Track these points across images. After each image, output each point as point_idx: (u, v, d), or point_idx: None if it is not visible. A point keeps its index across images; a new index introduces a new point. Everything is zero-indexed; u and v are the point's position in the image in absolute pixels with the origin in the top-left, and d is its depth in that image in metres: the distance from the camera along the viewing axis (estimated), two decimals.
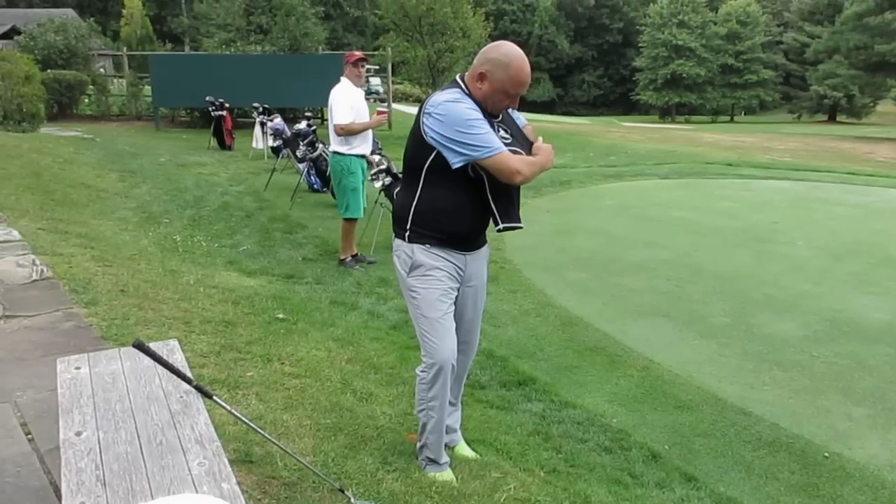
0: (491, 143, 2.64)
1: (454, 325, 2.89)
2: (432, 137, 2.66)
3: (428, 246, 2.82)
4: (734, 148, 20.21)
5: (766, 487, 3.54)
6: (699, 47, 53.28)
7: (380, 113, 6.38)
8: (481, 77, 2.68)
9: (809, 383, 4.65)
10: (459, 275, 2.91)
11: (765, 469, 3.69)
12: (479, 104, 2.70)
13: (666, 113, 56.00)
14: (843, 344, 5.28)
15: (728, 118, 54.80)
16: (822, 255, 7.76)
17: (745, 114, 56.65)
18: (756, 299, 6.23)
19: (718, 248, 8.01)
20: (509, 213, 2.82)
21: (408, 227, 2.85)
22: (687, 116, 55.19)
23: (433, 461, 3.03)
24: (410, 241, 2.85)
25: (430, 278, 2.83)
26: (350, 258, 6.80)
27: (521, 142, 2.84)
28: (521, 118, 2.99)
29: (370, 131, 6.56)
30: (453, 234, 2.83)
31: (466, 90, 2.73)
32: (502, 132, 2.77)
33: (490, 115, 2.74)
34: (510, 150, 2.69)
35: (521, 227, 2.87)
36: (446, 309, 2.85)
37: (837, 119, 48.39)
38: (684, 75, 53.09)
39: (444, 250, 2.84)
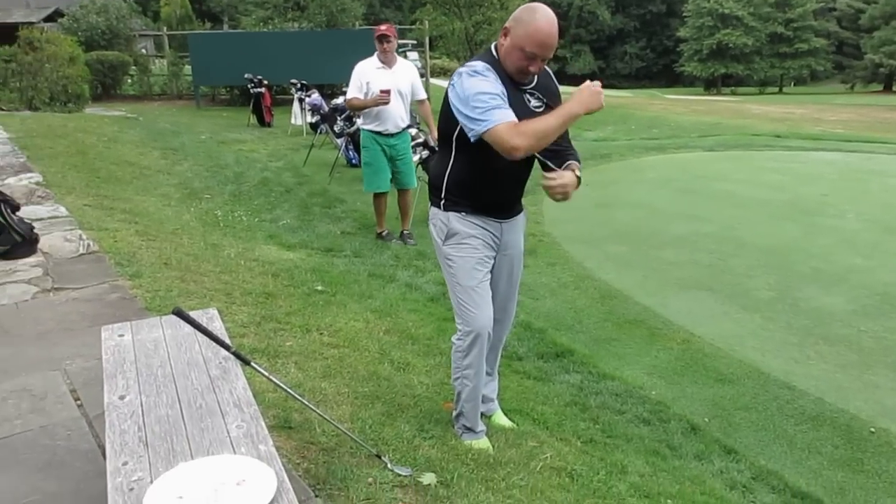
0: (488, 118, 2.50)
1: (490, 293, 2.88)
2: (451, 108, 2.65)
3: (463, 214, 2.82)
4: (783, 119, 19.68)
5: (809, 461, 3.49)
6: (746, 15, 51.57)
7: (383, 91, 6.20)
8: (505, 33, 2.64)
9: (857, 358, 4.54)
10: (495, 243, 2.89)
11: (807, 443, 3.63)
12: (507, 73, 2.65)
13: (711, 84, 54.57)
14: (893, 318, 5.13)
15: (777, 89, 53.20)
16: (874, 228, 7.54)
17: (794, 84, 54.93)
18: (803, 273, 6.09)
19: (764, 221, 7.83)
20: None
21: (442, 195, 2.85)
22: (733, 88, 53.68)
23: (469, 429, 3.04)
24: (446, 209, 2.85)
25: (466, 246, 2.82)
26: (387, 232, 6.84)
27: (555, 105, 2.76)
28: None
29: (392, 109, 6.32)
30: (487, 203, 2.82)
31: (496, 56, 2.69)
32: (535, 101, 2.71)
33: (517, 83, 2.68)
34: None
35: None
36: (482, 277, 2.84)
37: (894, 89, 46.65)
38: (731, 45, 51.49)
39: (480, 218, 2.83)
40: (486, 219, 2.84)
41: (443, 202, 2.86)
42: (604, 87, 2.68)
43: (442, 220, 2.86)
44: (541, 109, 2.70)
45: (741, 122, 18.21)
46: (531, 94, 2.73)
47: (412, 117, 11.33)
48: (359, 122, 10.25)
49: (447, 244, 2.85)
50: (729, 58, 52.53)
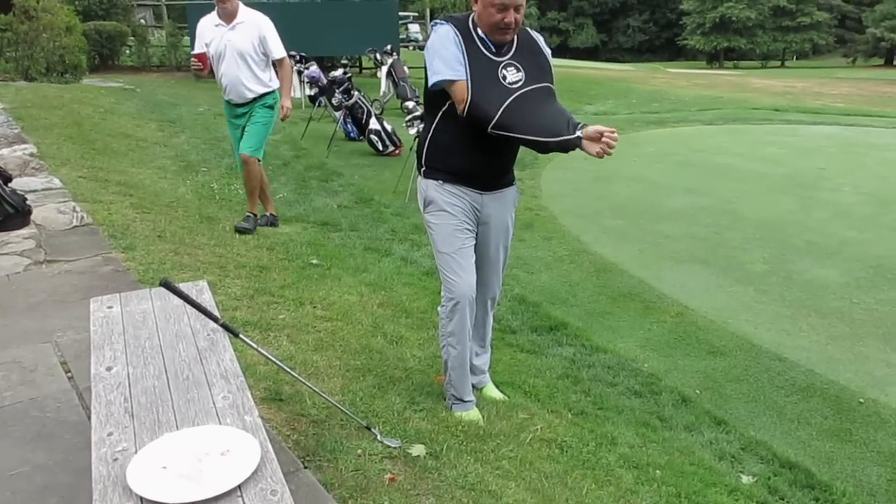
0: (439, 73, 2.62)
1: (472, 259, 2.89)
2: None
3: (441, 182, 2.84)
4: (784, 93, 19.55)
5: (798, 432, 3.51)
6: None
7: (194, 56, 5.20)
8: None
9: (848, 329, 4.56)
10: (476, 213, 2.89)
11: (797, 414, 3.66)
12: (485, 34, 2.65)
13: (714, 58, 54.14)
14: (885, 290, 5.15)
15: (779, 63, 52.80)
16: (870, 202, 7.53)
17: (796, 58, 54.52)
18: (797, 246, 6.10)
19: (761, 194, 7.82)
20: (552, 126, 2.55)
21: (423, 163, 2.89)
22: (735, 62, 53.32)
23: (459, 399, 3.06)
24: (425, 176, 2.89)
25: (444, 213, 2.84)
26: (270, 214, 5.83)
27: (538, 79, 2.70)
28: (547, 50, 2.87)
29: (231, 75, 5.22)
30: (464, 172, 2.82)
31: (471, 24, 2.69)
32: (512, 74, 2.65)
33: (496, 50, 2.66)
34: (517, 95, 2.59)
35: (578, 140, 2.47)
36: (461, 244, 2.85)
37: (895, 63, 46.28)
38: (734, 18, 50.97)
39: (457, 187, 2.83)
40: (463, 188, 2.84)
41: (423, 169, 2.90)
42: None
43: (422, 187, 2.91)
44: (518, 84, 2.64)
45: (742, 95, 18.10)
46: (509, 66, 2.67)
47: (412, 90, 11.27)
48: (357, 94, 10.23)
49: (427, 212, 2.91)
50: (731, 31, 52.05)
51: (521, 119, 2.58)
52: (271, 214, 5.81)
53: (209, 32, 5.21)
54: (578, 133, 2.45)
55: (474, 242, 2.92)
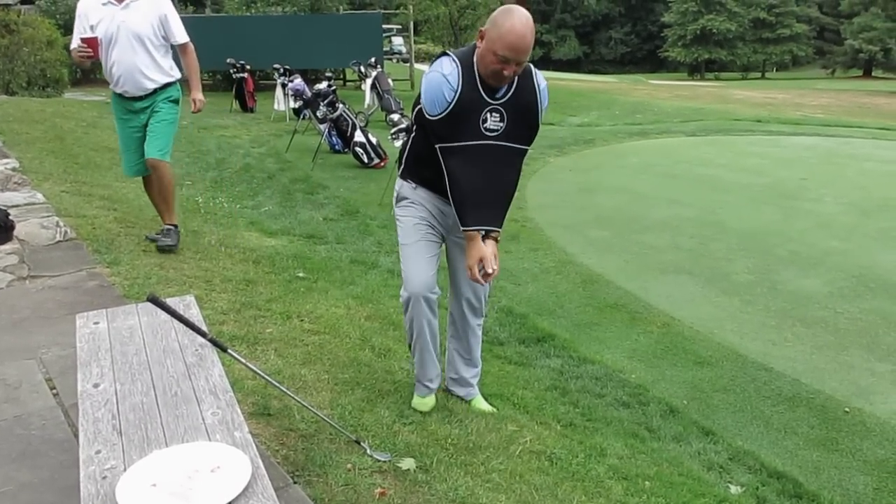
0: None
1: (432, 255, 2.96)
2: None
3: (415, 185, 2.97)
4: (765, 105, 19.77)
5: (785, 441, 3.54)
6: (730, 1, 51.76)
7: (83, 41, 4.29)
8: (481, 36, 2.63)
9: (833, 339, 4.60)
10: (444, 218, 2.98)
11: (784, 424, 3.68)
12: (482, 74, 2.63)
13: (695, 70, 54.77)
14: (868, 300, 5.20)
15: (759, 75, 53.50)
16: (851, 211, 7.62)
17: (776, 70, 55.28)
18: (781, 256, 6.15)
19: (744, 205, 7.90)
20: (479, 211, 2.73)
21: (402, 165, 3.03)
22: (716, 73, 53.97)
23: (418, 381, 3.17)
24: (402, 177, 3.02)
25: (410, 207, 2.97)
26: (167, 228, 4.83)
27: (516, 133, 2.72)
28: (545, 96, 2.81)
29: (126, 63, 4.43)
30: (433, 182, 2.89)
31: (475, 59, 2.66)
32: (493, 120, 2.66)
33: (489, 92, 2.66)
34: (484, 143, 2.66)
35: (496, 231, 2.80)
36: (419, 237, 2.93)
37: (873, 74, 46.97)
38: (714, 31, 51.68)
39: (429, 192, 2.95)
40: (434, 195, 2.94)
41: (401, 170, 3.03)
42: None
43: (397, 186, 3.05)
44: (494, 133, 2.68)
45: (724, 107, 18.29)
46: (495, 111, 2.67)
47: (396, 102, 11.28)
48: (341, 107, 10.24)
49: (397, 206, 3.03)
50: (712, 43, 52.74)
51: (466, 164, 2.68)
52: (173, 226, 4.84)
53: (95, 13, 4.36)
54: (464, 230, 2.74)
55: (439, 242, 3.01)
